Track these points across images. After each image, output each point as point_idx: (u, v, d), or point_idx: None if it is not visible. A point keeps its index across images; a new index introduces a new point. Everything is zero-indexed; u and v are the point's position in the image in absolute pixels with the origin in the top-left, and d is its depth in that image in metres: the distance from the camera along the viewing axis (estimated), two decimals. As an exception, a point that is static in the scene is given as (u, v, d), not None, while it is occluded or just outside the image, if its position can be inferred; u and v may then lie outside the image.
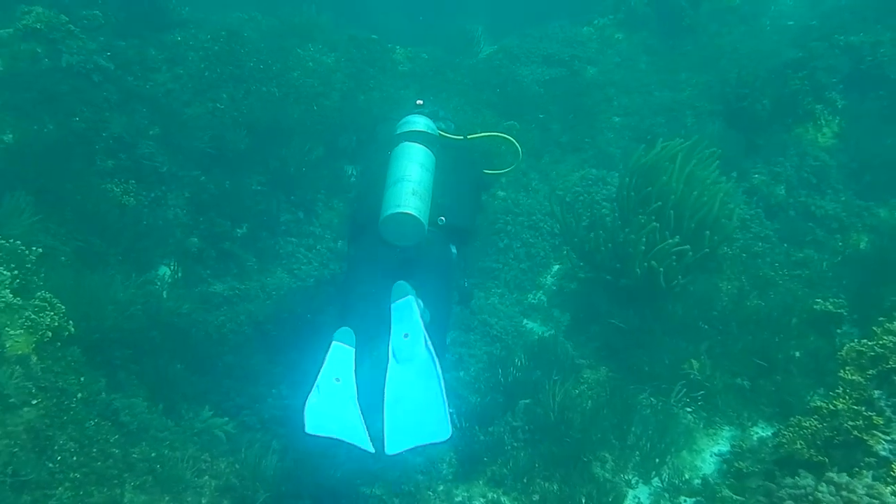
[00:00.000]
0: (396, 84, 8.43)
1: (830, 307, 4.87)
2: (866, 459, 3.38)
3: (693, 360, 4.70)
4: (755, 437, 4.39)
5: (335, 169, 7.07)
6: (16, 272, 3.75)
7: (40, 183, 5.26)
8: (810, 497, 3.16)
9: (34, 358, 3.59)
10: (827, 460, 3.50)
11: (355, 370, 3.54)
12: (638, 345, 4.86)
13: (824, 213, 6.26)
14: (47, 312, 3.69)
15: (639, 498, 4.11)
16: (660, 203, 4.79)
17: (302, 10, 8.91)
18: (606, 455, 4.27)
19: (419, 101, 4.80)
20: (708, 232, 4.78)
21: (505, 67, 8.74)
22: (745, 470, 3.97)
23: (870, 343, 3.76)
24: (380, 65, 8.59)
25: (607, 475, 4.17)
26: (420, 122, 4.46)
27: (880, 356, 3.66)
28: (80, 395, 3.66)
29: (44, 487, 3.16)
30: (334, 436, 3.23)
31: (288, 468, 4.05)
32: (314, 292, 5.74)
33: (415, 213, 3.86)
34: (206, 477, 3.80)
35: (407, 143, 4.21)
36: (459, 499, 4.11)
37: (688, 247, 4.70)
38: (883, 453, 3.36)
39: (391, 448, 3.21)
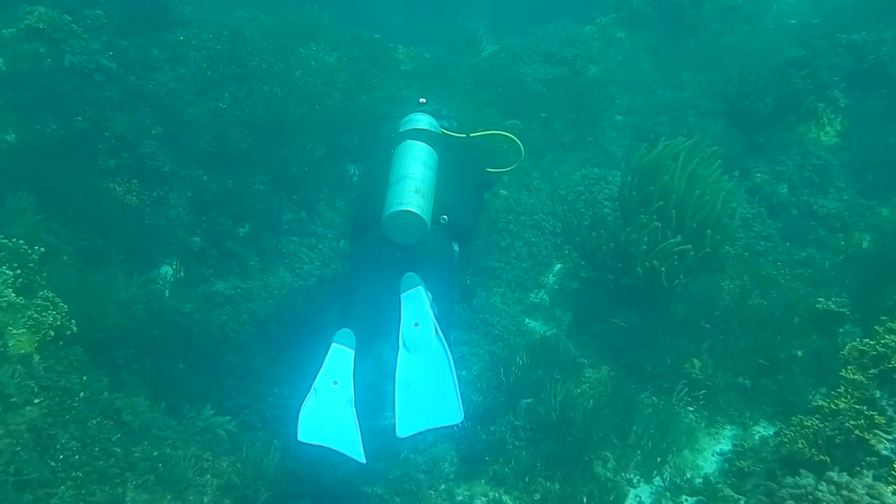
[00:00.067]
0: (399, 83, 8.43)
1: (833, 306, 4.87)
2: (868, 459, 3.37)
3: (695, 360, 4.70)
4: (757, 437, 4.38)
5: (337, 168, 7.07)
6: (18, 271, 3.76)
7: (43, 182, 5.28)
8: (810, 496, 3.16)
9: (36, 357, 3.60)
10: (828, 460, 3.50)
11: (354, 372, 3.55)
12: (639, 344, 4.85)
13: (827, 212, 6.25)
14: (50, 312, 3.70)
15: (640, 497, 4.11)
16: (662, 202, 4.79)
17: (304, 9, 8.90)
18: (608, 454, 4.26)
19: (422, 100, 4.82)
20: (710, 231, 4.77)
21: (507, 66, 8.74)
22: (746, 469, 3.97)
23: (872, 342, 3.76)
24: (382, 64, 8.59)
25: (609, 474, 4.17)
26: (423, 121, 4.47)
27: (882, 355, 3.66)
28: (82, 394, 3.67)
29: (46, 486, 3.17)
30: (326, 444, 3.26)
31: (289, 467, 4.05)
32: (316, 291, 5.75)
33: (417, 211, 3.87)
34: (208, 476, 3.80)
35: (410, 141, 4.22)
36: (461, 498, 4.11)
37: (689, 246, 4.70)
38: (885, 452, 3.36)
39: (402, 431, 3.26)
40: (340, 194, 6.86)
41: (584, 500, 3.95)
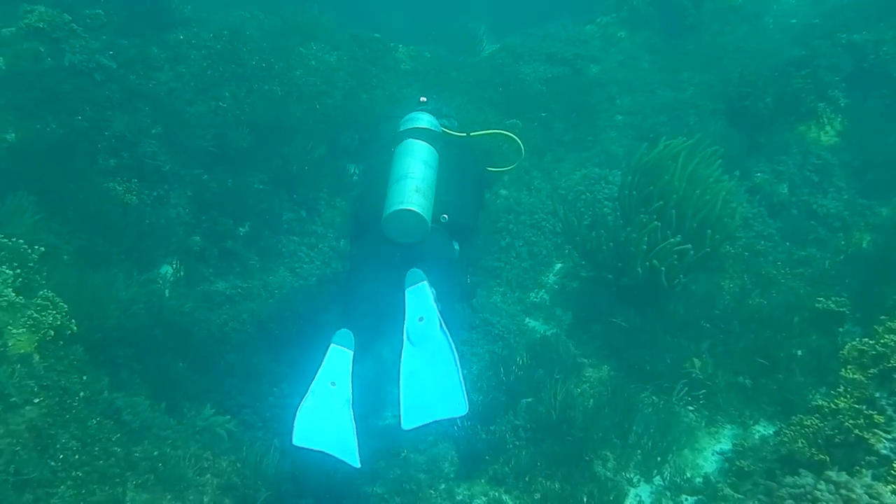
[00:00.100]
0: (399, 83, 8.43)
1: (832, 306, 4.86)
2: (867, 458, 3.37)
3: (695, 359, 4.70)
4: (757, 436, 4.38)
5: (338, 167, 7.08)
6: (18, 271, 3.76)
7: (43, 182, 5.28)
8: (809, 496, 3.16)
9: (36, 357, 3.60)
10: (828, 459, 3.50)
11: (353, 373, 3.56)
12: (640, 343, 4.85)
13: (827, 212, 6.25)
14: (50, 311, 3.70)
15: (640, 496, 4.11)
16: (662, 202, 4.79)
17: (304, 8, 8.91)
18: (608, 454, 4.26)
19: (423, 98, 4.83)
20: (710, 231, 4.77)
21: (508, 66, 8.73)
22: (746, 468, 3.97)
23: (871, 342, 3.76)
24: (382, 63, 8.59)
25: (609, 474, 4.17)
26: (424, 119, 4.48)
27: (882, 355, 3.66)
28: (82, 393, 3.66)
29: (46, 486, 3.16)
30: (321, 449, 3.28)
31: (289, 467, 4.06)
32: (317, 291, 5.76)
33: (418, 210, 3.87)
34: (208, 475, 3.80)
35: (411, 140, 4.23)
36: (461, 497, 4.11)
37: (689, 246, 4.70)
38: (884, 452, 3.36)
39: (407, 423, 3.31)
40: (341, 193, 6.86)
41: (585, 500, 3.95)
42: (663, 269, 4.70)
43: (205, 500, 3.68)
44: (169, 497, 3.56)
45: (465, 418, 4.46)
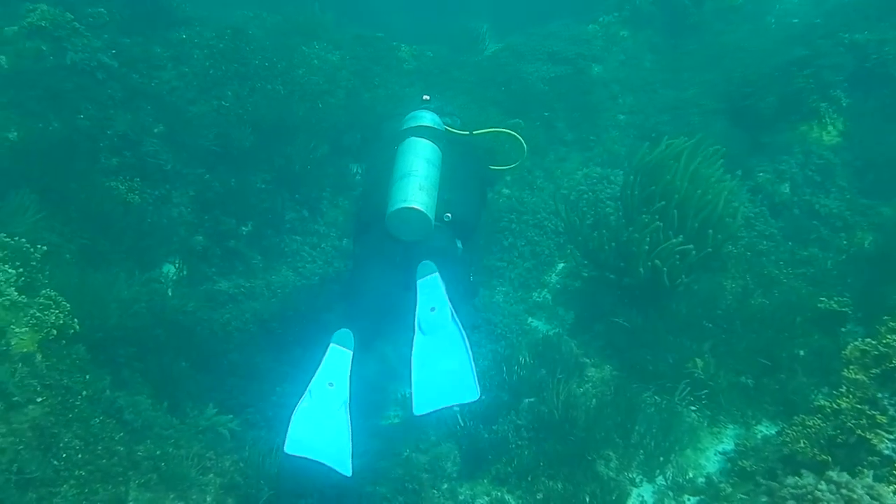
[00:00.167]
0: (402, 82, 8.43)
1: (835, 306, 4.86)
2: (870, 458, 3.38)
3: (697, 359, 4.70)
4: (759, 436, 4.38)
5: (340, 167, 7.08)
6: (21, 270, 3.77)
7: (45, 181, 5.28)
8: (810, 496, 3.16)
9: (39, 356, 3.60)
10: (830, 459, 3.50)
11: (351, 374, 3.56)
12: (642, 343, 4.85)
13: (829, 212, 6.24)
14: (52, 310, 3.70)
15: (643, 496, 4.11)
16: (664, 202, 4.79)
17: (307, 7, 8.90)
18: (610, 453, 4.26)
19: (426, 97, 4.83)
20: (711, 231, 4.77)
21: (510, 65, 8.72)
22: (748, 469, 3.97)
23: (874, 342, 3.76)
24: (385, 62, 8.59)
25: (611, 474, 4.17)
26: (427, 118, 4.50)
27: (884, 355, 3.66)
28: (84, 392, 3.67)
29: (49, 485, 3.17)
30: (313, 457, 3.29)
31: (292, 466, 4.05)
32: (319, 290, 5.76)
33: (422, 209, 3.88)
34: (211, 475, 3.81)
35: (414, 138, 4.24)
36: (463, 497, 4.12)
37: (691, 246, 4.69)
38: (886, 452, 3.36)
39: (419, 409, 3.33)
40: (343, 193, 6.86)
41: (587, 500, 3.95)
42: (665, 269, 4.69)
43: (208, 499, 3.68)
44: (172, 496, 3.56)
45: (468, 418, 4.47)
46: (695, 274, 4.94)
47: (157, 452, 3.67)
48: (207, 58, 7.12)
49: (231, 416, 4.47)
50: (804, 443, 3.61)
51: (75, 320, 3.82)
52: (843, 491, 3.10)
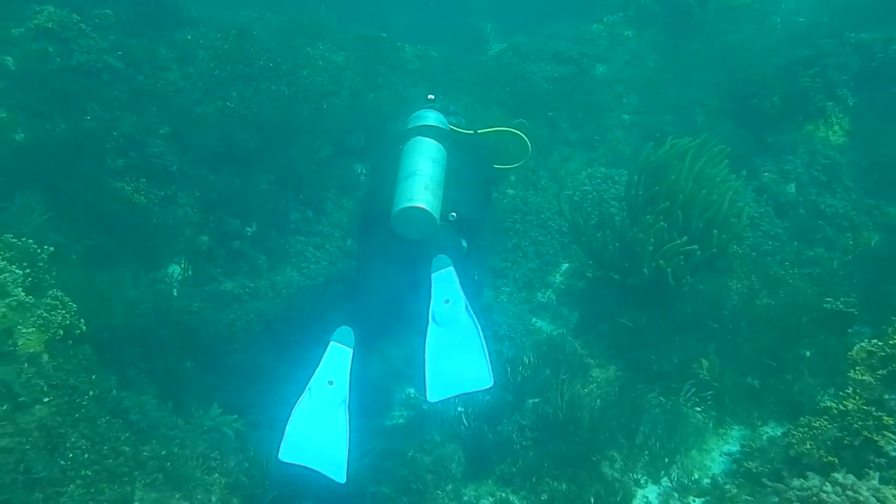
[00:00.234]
0: (406, 82, 8.43)
1: (841, 306, 4.83)
2: (876, 460, 3.36)
3: (702, 360, 4.68)
4: (765, 437, 4.37)
5: (344, 167, 7.09)
6: (28, 270, 3.78)
7: (52, 182, 5.31)
8: (815, 498, 3.15)
9: (46, 356, 3.62)
10: (836, 461, 3.49)
11: (351, 372, 3.57)
12: (646, 344, 4.84)
13: (835, 212, 6.22)
14: (59, 311, 3.72)
15: (647, 497, 4.10)
16: (668, 203, 4.78)
17: (311, 8, 8.92)
18: (615, 454, 4.26)
19: (430, 96, 4.84)
20: (716, 231, 4.75)
21: (514, 65, 8.72)
22: (754, 470, 3.95)
23: (880, 343, 3.75)
24: (389, 63, 8.60)
25: (616, 474, 4.16)
26: (431, 117, 4.51)
27: (891, 356, 3.65)
28: (91, 392, 3.68)
29: (55, 485, 3.18)
30: (307, 465, 3.31)
31: (296, 466, 4.06)
32: (323, 290, 5.77)
33: (427, 208, 3.89)
34: (216, 475, 3.82)
35: (419, 137, 4.25)
36: (468, 498, 4.11)
37: (696, 246, 4.68)
38: (893, 454, 3.35)
39: (433, 395, 3.37)
40: (347, 193, 6.87)
41: (592, 501, 3.95)
42: (670, 269, 4.68)
43: (213, 499, 3.69)
44: (177, 496, 3.57)
45: (472, 419, 4.47)
46: (700, 274, 4.93)
47: (163, 452, 3.68)
48: (212, 59, 7.14)
49: (235, 416, 4.48)
50: (810, 444, 3.60)
51: (81, 320, 3.83)
52: (849, 493, 3.09)
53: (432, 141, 4.24)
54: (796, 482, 3.33)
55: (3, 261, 3.69)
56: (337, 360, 3.59)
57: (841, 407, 3.62)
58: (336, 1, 9.21)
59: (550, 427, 4.30)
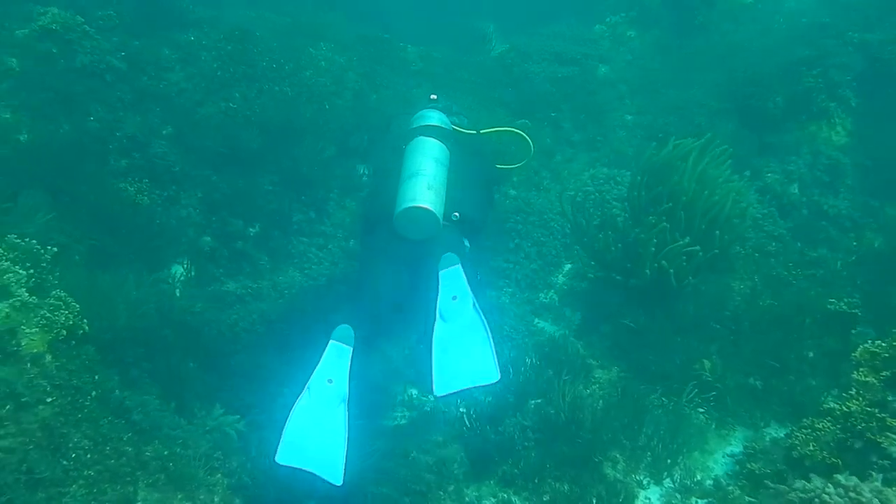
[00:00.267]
0: (408, 83, 8.43)
1: (844, 307, 4.83)
2: (880, 462, 3.35)
3: (705, 360, 4.68)
4: (768, 438, 4.36)
5: (347, 168, 7.08)
6: (31, 271, 3.79)
7: (55, 182, 5.32)
8: (817, 500, 3.14)
9: (49, 356, 3.62)
10: (840, 462, 3.48)
11: (351, 370, 3.57)
12: (649, 345, 4.84)
13: (838, 212, 6.22)
14: (62, 311, 3.72)
15: (650, 499, 4.10)
16: (671, 204, 4.77)
17: (313, 9, 8.93)
18: (617, 455, 4.26)
19: (433, 96, 4.85)
20: (718, 232, 4.75)
21: (517, 66, 8.71)
22: (757, 471, 3.95)
23: (884, 344, 3.74)
24: (391, 64, 8.60)
25: (618, 476, 4.16)
26: (434, 117, 4.52)
27: (894, 357, 3.63)
28: (94, 393, 3.68)
29: (58, 485, 3.18)
30: (304, 467, 3.32)
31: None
32: (326, 291, 5.77)
33: (430, 208, 3.90)
34: (219, 475, 3.82)
35: (422, 137, 4.25)
36: (470, 499, 4.12)
37: (698, 248, 4.68)
38: (896, 456, 3.34)
39: (439, 389, 3.38)
40: (350, 194, 6.87)
41: (594, 502, 3.95)
42: (672, 270, 4.68)
43: (216, 499, 3.69)
44: (180, 496, 3.57)
45: (474, 419, 4.47)
46: (702, 275, 4.92)
47: (165, 453, 3.68)
48: (215, 59, 7.15)
49: (238, 416, 4.48)
50: (813, 446, 3.59)
51: (84, 321, 3.84)
52: (851, 494, 3.08)
53: (435, 141, 4.25)
54: (799, 484, 3.32)
55: (6, 261, 3.69)
56: (337, 358, 3.60)
57: (844, 408, 3.62)
58: (339, 2, 9.22)
59: (553, 428, 4.30)
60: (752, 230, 5.85)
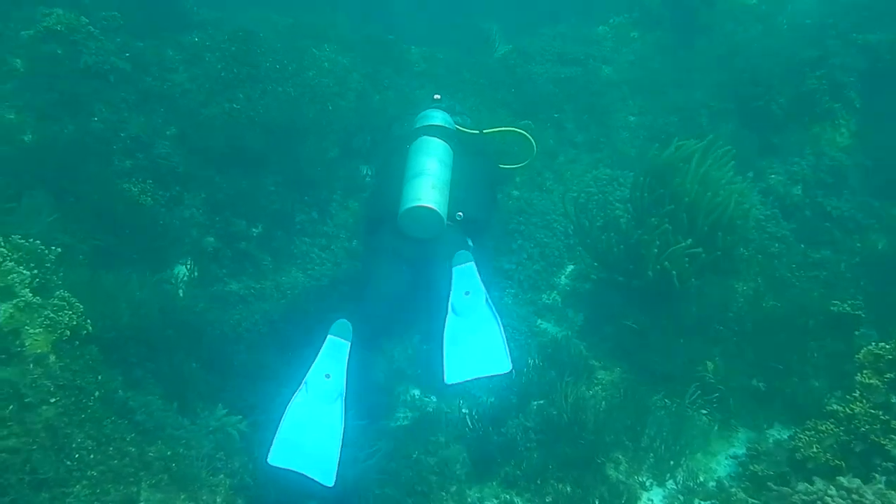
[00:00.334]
0: (412, 84, 8.44)
1: (848, 309, 4.81)
2: (884, 464, 3.35)
3: (708, 362, 4.68)
4: (771, 440, 4.36)
5: (350, 169, 7.09)
6: (35, 271, 3.80)
7: (59, 183, 5.34)
8: (819, 502, 3.14)
9: (52, 356, 3.63)
10: (843, 464, 3.47)
11: (348, 365, 3.58)
12: (651, 346, 4.83)
13: (841, 214, 6.20)
14: (66, 311, 3.73)
15: (652, 500, 4.09)
16: (673, 205, 4.77)
17: (317, 9, 8.94)
18: (620, 457, 4.25)
19: (437, 96, 4.86)
20: (720, 233, 4.74)
21: (520, 67, 8.71)
22: (760, 473, 3.94)
23: (887, 346, 3.73)
24: (395, 65, 8.61)
25: (621, 477, 4.16)
26: (438, 117, 4.53)
27: (898, 360, 3.63)
28: (97, 393, 3.69)
29: (61, 485, 3.19)
30: (295, 469, 3.34)
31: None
32: (328, 292, 5.77)
33: (435, 208, 3.92)
34: (221, 475, 3.82)
35: (426, 137, 4.27)
36: (472, 499, 4.12)
37: (700, 249, 4.67)
38: (900, 458, 3.33)
39: (450, 378, 3.40)
40: (353, 195, 6.88)
41: (596, 503, 3.95)
42: (675, 271, 4.67)
43: (218, 500, 3.70)
44: (183, 497, 3.58)
45: (476, 420, 4.47)
46: (705, 276, 4.92)
47: (168, 453, 3.68)
48: (219, 60, 7.16)
49: (240, 416, 4.48)
50: (817, 448, 3.59)
51: (88, 321, 3.85)
52: (854, 497, 3.08)
53: (439, 140, 4.26)
54: (801, 486, 3.32)
55: (10, 262, 3.70)
56: (334, 353, 3.61)
57: (848, 410, 3.61)
58: (342, 2, 9.23)
59: (555, 429, 4.30)
60: (756, 231, 5.85)
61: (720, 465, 4.30)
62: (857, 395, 3.68)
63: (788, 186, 6.51)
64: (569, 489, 4.03)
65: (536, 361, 4.87)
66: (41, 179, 5.24)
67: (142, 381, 4.38)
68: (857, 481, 3.17)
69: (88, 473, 3.30)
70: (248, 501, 3.80)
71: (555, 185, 7.15)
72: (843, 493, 3.12)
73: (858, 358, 3.84)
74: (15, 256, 3.78)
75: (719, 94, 7.71)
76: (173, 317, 4.91)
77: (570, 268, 6.27)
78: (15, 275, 3.65)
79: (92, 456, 3.37)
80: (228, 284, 5.91)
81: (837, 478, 3.25)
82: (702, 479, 4.17)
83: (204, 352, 4.86)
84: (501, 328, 3.58)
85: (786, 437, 4.27)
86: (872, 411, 3.53)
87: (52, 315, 3.67)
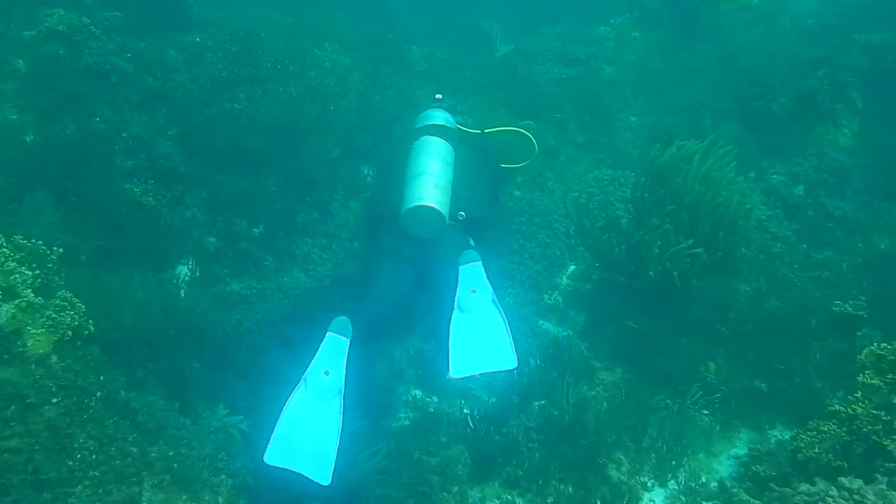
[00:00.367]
0: (413, 84, 8.44)
1: (850, 309, 4.82)
2: (886, 465, 3.34)
3: (710, 362, 4.68)
4: (772, 441, 4.36)
5: (351, 169, 7.09)
6: (37, 272, 3.80)
7: (61, 183, 5.33)
8: (821, 503, 3.13)
9: (54, 357, 3.63)
10: (845, 465, 3.47)
11: (348, 361, 3.58)
12: (653, 347, 4.83)
13: (843, 214, 6.20)
14: (68, 312, 3.73)
15: (654, 501, 4.09)
16: (674, 205, 4.76)
17: (318, 9, 8.93)
18: (622, 457, 4.25)
19: (438, 96, 4.86)
20: (722, 234, 4.74)
21: (521, 67, 8.70)
22: (762, 474, 3.94)
23: (890, 347, 3.73)
24: (396, 64, 8.61)
25: (623, 477, 4.16)
26: (439, 116, 4.53)
27: (900, 360, 3.63)
28: (99, 393, 3.68)
29: (64, 485, 3.19)
30: (292, 468, 3.34)
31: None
32: (330, 292, 5.78)
33: (437, 207, 3.92)
34: (223, 476, 3.82)
35: (427, 136, 4.27)
36: (473, 500, 4.12)
37: (701, 250, 4.67)
38: (902, 459, 3.33)
39: (456, 372, 3.40)
40: (354, 195, 6.88)
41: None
42: (676, 272, 4.67)
43: (220, 500, 3.70)
44: (185, 497, 3.58)
45: (478, 420, 4.47)
46: (707, 277, 4.92)
47: (170, 453, 3.68)
48: (220, 60, 7.15)
49: (242, 416, 4.49)
50: (818, 448, 3.58)
51: (90, 321, 3.84)
52: (856, 497, 3.08)
53: (441, 140, 4.26)
54: (803, 487, 3.31)
55: (12, 262, 3.70)
56: (333, 350, 3.61)
57: (850, 411, 3.61)
58: (342, 2, 9.22)
59: (556, 429, 4.30)
60: (758, 232, 5.85)
61: (722, 465, 4.30)
62: (858, 395, 3.68)
63: (790, 187, 6.51)
64: (570, 490, 4.03)
65: (538, 362, 4.87)
66: (43, 179, 5.23)
67: (144, 382, 4.38)
68: (859, 482, 3.17)
69: (90, 474, 3.30)
70: (249, 502, 3.80)
71: (556, 186, 7.15)
72: (845, 493, 3.12)
73: (860, 358, 3.84)
74: (17, 257, 3.78)
75: (721, 95, 7.70)
76: (175, 317, 4.91)
77: (572, 268, 6.26)
78: (17, 275, 3.65)
79: (94, 456, 3.37)
80: (230, 285, 5.91)
81: (839, 478, 3.24)
82: (704, 479, 4.17)
83: (206, 352, 4.86)
84: (507, 325, 3.58)
85: (787, 437, 4.27)
86: (874, 412, 3.52)
87: (54, 315, 3.67)
